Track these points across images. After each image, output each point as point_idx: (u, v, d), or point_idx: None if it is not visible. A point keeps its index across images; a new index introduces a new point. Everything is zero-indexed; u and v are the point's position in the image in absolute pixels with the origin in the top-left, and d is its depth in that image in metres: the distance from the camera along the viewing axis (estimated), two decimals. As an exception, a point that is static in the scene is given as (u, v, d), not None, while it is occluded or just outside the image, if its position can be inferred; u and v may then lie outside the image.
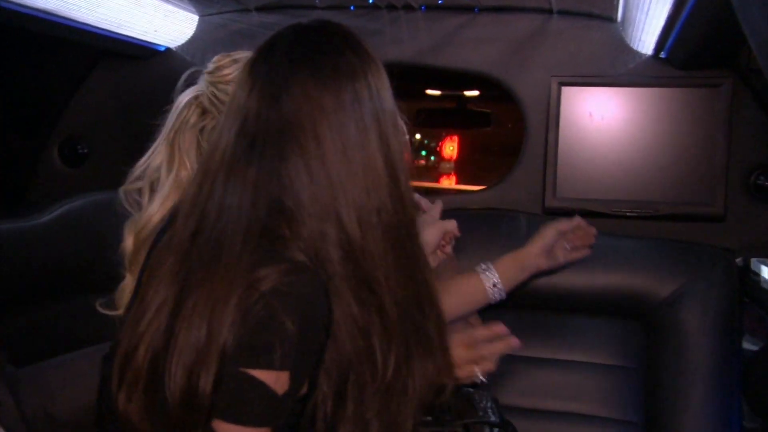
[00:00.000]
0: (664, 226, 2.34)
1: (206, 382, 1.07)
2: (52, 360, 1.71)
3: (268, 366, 1.06)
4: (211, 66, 1.72)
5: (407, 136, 1.45)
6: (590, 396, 2.14)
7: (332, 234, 1.13)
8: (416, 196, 1.61)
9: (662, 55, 2.24)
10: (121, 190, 1.64)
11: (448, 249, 1.69)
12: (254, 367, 1.06)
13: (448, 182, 7.75)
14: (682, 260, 2.18)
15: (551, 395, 2.10)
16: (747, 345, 2.23)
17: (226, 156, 1.17)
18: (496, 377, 2.05)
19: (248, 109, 1.18)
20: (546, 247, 1.89)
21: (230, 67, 1.70)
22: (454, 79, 4.31)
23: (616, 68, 2.32)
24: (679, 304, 2.12)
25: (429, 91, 5.19)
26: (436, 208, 1.76)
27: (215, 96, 1.69)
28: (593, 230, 1.92)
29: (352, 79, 1.17)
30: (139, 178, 1.64)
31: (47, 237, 2.05)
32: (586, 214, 2.25)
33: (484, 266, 1.84)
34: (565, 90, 2.34)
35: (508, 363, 2.14)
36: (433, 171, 8.27)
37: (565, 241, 1.92)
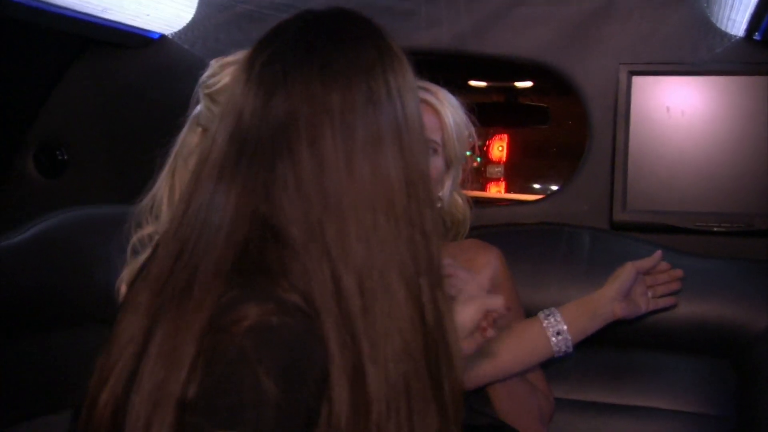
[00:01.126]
0: (760, 244, 2.29)
1: None
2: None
3: (233, 428, 1.00)
4: (204, 75, 1.75)
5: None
6: (674, 452, 2.12)
7: (322, 273, 1.10)
8: (447, 262, 1.51)
9: (756, 36, 2.20)
10: (132, 241, 1.69)
11: (490, 333, 1.59)
12: (219, 428, 1.00)
13: (497, 190, 7.72)
14: (782, 285, 2.13)
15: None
16: None
17: (215, 166, 1.17)
18: (554, 428, 2.04)
19: (241, 110, 1.17)
20: (624, 291, 1.88)
21: (224, 72, 1.73)
22: (502, 69, 4.32)
23: (698, 53, 2.30)
24: (779, 338, 2.07)
25: (473, 83, 5.20)
26: (480, 278, 1.66)
27: (211, 111, 1.73)
28: (679, 272, 1.89)
29: (367, 76, 1.15)
30: (142, 218, 1.69)
31: (19, 261, 2.06)
32: (664, 230, 2.26)
33: (547, 312, 1.83)
34: (637, 80, 2.32)
35: (569, 410, 2.13)
36: (479, 176, 8.26)
37: (647, 285, 1.91)
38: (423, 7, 2.42)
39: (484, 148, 8.87)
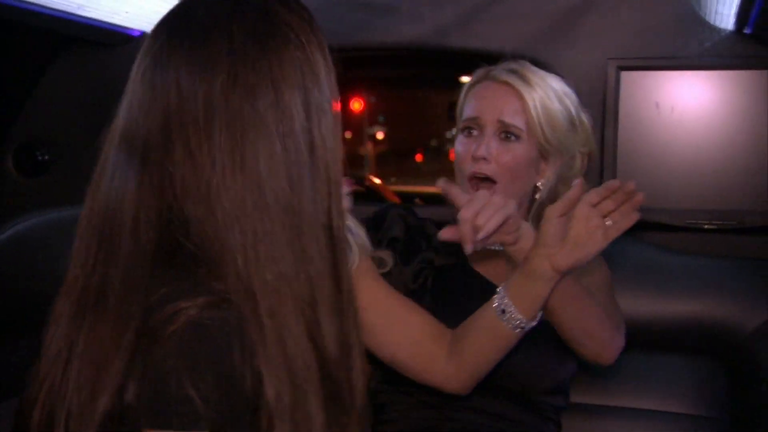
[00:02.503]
0: (752, 242, 2.30)
1: None
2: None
3: (182, 426, 1.02)
4: None
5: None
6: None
7: (232, 271, 1.11)
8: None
9: (746, 30, 2.20)
10: None
11: (509, 238, 1.66)
12: (164, 428, 1.03)
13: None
14: (774, 284, 2.14)
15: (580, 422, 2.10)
16: None
17: (115, 162, 1.16)
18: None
19: (130, 103, 1.16)
20: (551, 239, 1.66)
21: None
22: (493, 64, 4.31)
23: (688, 48, 2.30)
24: (770, 338, 2.08)
25: (464, 79, 5.16)
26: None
27: None
28: (631, 185, 1.64)
29: (243, 66, 1.12)
30: None
31: (-7, 265, 2.07)
32: (654, 228, 2.25)
33: (499, 289, 1.75)
34: (625, 75, 2.32)
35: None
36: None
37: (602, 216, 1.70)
38: (405, 2, 2.42)
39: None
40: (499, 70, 1.96)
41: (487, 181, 1.91)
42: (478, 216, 1.60)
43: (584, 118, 2.00)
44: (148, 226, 1.13)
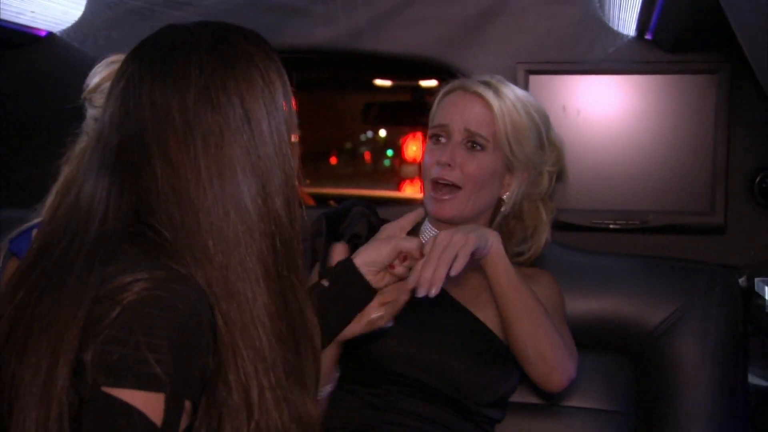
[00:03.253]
0: (654, 241, 2.35)
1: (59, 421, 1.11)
2: None
3: (138, 385, 1.09)
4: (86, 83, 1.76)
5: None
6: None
7: (203, 267, 1.19)
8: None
9: (647, 35, 2.26)
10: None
11: (399, 270, 1.66)
12: (119, 386, 1.09)
13: (412, 190, 7.73)
14: (676, 281, 2.19)
15: (520, 420, 2.10)
16: (753, 379, 2.24)
17: (89, 165, 1.26)
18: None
19: (105, 113, 1.26)
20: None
21: (98, 72, 1.77)
22: (406, 67, 4.33)
23: (593, 53, 2.34)
24: (673, 333, 2.13)
25: (378, 82, 5.20)
26: (402, 221, 1.74)
27: (89, 114, 1.73)
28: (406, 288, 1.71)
29: (205, 80, 1.23)
30: None
31: None
32: (562, 227, 2.27)
33: None
34: (534, 79, 2.35)
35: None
36: (394, 176, 8.27)
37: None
38: (318, 4, 2.42)
39: (400, 145, 8.90)
40: (473, 81, 1.99)
41: (450, 187, 1.93)
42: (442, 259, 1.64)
43: (555, 138, 2.03)
44: (118, 227, 1.21)
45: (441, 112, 2.01)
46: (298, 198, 1.30)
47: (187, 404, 1.15)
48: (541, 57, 2.37)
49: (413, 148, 8.98)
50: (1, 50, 2.53)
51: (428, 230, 2.02)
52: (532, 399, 2.15)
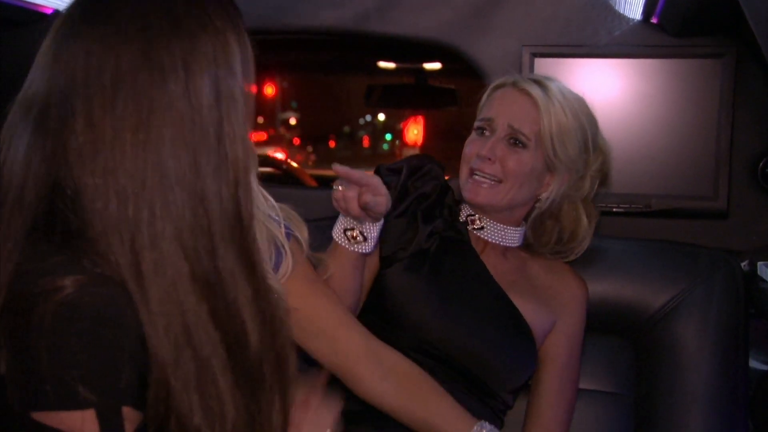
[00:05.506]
0: (656, 225, 2.37)
1: None
2: None
3: (63, 406, 1.03)
4: None
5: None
6: (572, 428, 2.11)
7: (119, 245, 1.10)
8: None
9: (653, 19, 2.26)
10: None
11: (366, 198, 1.68)
12: (45, 409, 1.03)
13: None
14: (678, 265, 2.20)
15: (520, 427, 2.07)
16: (754, 363, 2.26)
17: (10, 126, 1.16)
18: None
19: (34, 69, 1.17)
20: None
21: None
22: (411, 50, 4.32)
23: (598, 36, 2.34)
24: (674, 317, 2.14)
25: (382, 64, 5.18)
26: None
27: None
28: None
29: (149, 43, 1.12)
30: None
31: None
32: None
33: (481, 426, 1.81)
34: (539, 62, 2.35)
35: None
36: (393, 159, 8.26)
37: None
38: (324, -14, 2.42)
39: (401, 129, 8.90)
40: (524, 79, 1.98)
41: (489, 179, 1.94)
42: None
43: (602, 143, 2.03)
44: (33, 195, 1.11)
45: (488, 106, 2.01)
46: (247, 189, 1.20)
47: (127, 410, 1.07)
48: (546, 40, 2.37)
49: (414, 131, 8.99)
50: (5, 28, 2.52)
51: (467, 208, 2.04)
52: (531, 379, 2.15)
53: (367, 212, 1.71)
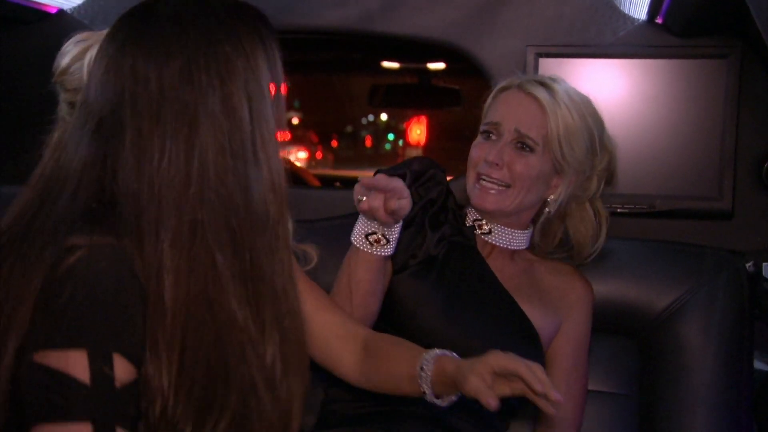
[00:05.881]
0: (661, 225, 2.36)
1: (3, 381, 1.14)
2: None
3: (56, 345, 1.12)
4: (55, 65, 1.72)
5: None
6: (575, 428, 2.15)
7: (148, 246, 1.19)
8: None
9: (658, 20, 2.26)
10: None
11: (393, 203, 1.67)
12: (42, 348, 1.12)
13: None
14: (682, 266, 2.20)
15: (527, 426, 2.10)
16: (758, 364, 2.27)
17: (71, 136, 1.27)
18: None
19: (89, 83, 1.28)
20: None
21: (67, 53, 1.72)
22: (415, 50, 4.32)
23: (603, 36, 2.35)
24: (679, 317, 2.15)
25: (386, 64, 5.18)
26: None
27: (70, 104, 1.70)
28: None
29: (188, 57, 1.22)
30: None
31: None
32: None
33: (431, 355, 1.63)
34: (544, 62, 2.35)
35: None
36: (395, 159, 8.29)
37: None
38: (330, -16, 2.42)
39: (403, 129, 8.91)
40: (530, 81, 1.97)
41: (497, 184, 1.94)
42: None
43: (608, 141, 2.02)
44: (87, 192, 1.21)
45: (494, 109, 2.00)
46: (281, 194, 1.29)
47: (119, 359, 1.15)
48: (551, 40, 2.37)
49: (417, 131, 8.99)
50: (9, 26, 2.51)
51: (473, 212, 2.03)
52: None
53: (392, 216, 1.70)
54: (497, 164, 1.93)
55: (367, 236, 1.77)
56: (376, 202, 1.67)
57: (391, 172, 1.99)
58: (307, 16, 2.48)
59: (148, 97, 1.20)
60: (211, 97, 1.21)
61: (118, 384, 1.14)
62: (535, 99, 1.93)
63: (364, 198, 1.68)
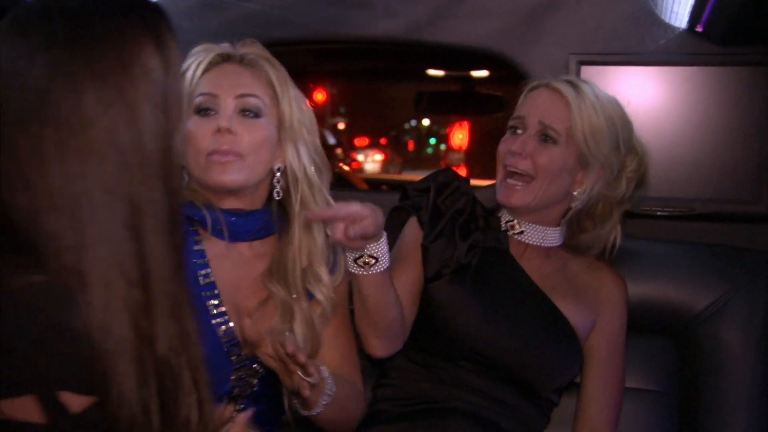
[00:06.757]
0: (701, 228, 2.36)
1: None
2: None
3: (6, 394, 1.05)
4: None
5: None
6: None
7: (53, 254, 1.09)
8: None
9: (698, 28, 2.26)
10: None
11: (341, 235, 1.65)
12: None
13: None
14: (722, 267, 2.21)
15: (567, 424, 2.08)
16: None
17: None
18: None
19: None
20: None
21: None
22: (459, 58, 4.32)
23: (644, 44, 2.35)
24: (718, 318, 2.15)
25: (431, 72, 5.20)
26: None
27: None
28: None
29: (68, 56, 1.08)
30: None
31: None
32: None
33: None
34: (586, 70, 2.36)
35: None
36: (437, 162, 8.31)
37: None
38: (379, -3, 2.47)
39: (446, 135, 8.94)
40: (557, 80, 2.00)
41: (523, 176, 1.96)
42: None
43: (637, 144, 2.03)
44: None
45: (522, 106, 2.03)
46: (173, 186, 1.17)
47: (66, 395, 1.07)
48: (593, 48, 2.38)
49: (459, 136, 9.03)
50: None
51: (505, 214, 2.06)
52: (578, 378, 2.15)
53: (363, 238, 1.67)
54: (521, 154, 1.95)
55: (356, 261, 1.75)
56: (338, 233, 1.64)
57: (417, 186, 2.04)
58: (358, 27, 2.53)
59: (16, 103, 1.07)
60: (86, 95, 1.08)
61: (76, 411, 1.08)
62: (560, 94, 1.96)
63: (329, 233, 1.68)
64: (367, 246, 1.72)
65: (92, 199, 1.09)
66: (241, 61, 1.83)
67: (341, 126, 14.35)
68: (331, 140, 11.18)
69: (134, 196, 1.11)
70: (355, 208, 1.64)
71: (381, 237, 1.73)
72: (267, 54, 1.87)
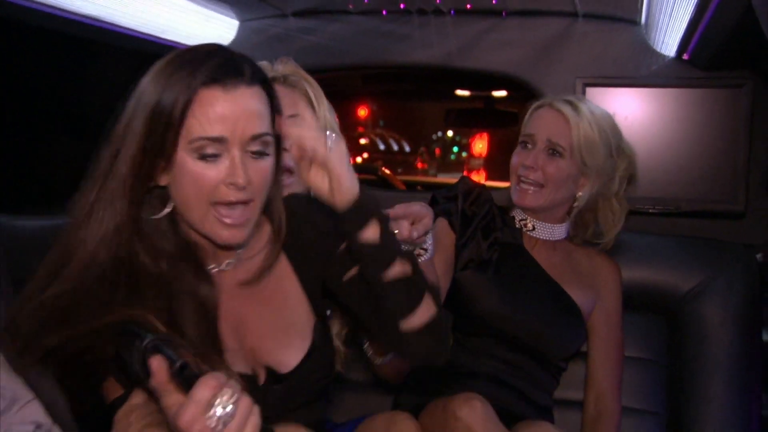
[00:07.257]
0: (686, 223, 2.36)
1: None
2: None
3: None
4: None
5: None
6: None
7: None
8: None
9: (685, 56, 2.26)
10: None
11: (408, 232, 1.65)
12: None
13: (478, 178, 7.80)
14: (704, 256, 2.19)
15: (575, 386, 2.11)
16: (767, 338, 2.23)
17: None
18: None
19: None
20: None
21: None
22: (482, 81, 4.34)
23: (639, 70, 2.35)
24: (701, 298, 2.14)
25: (459, 92, 5.23)
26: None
27: None
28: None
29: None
30: None
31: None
32: None
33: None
34: (590, 91, 2.37)
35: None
36: (459, 167, 8.30)
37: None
38: (417, 31, 2.48)
39: (468, 144, 8.91)
40: (559, 100, 1.99)
41: (533, 185, 1.96)
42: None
43: (626, 148, 2.02)
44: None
45: (530, 124, 2.03)
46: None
47: None
48: (596, 73, 2.38)
49: (480, 145, 9.02)
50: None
51: (519, 213, 2.07)
52: (585, 348, 2.14)
53: (423, 233, 1.69)
54: (533, 167, 1.95)
55: None
56: (404, 231, 1.65)
57: (444, 194, 2.04)
58: (401, 55, 2.55)
59: None
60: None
61: None
62: (562, 114, 1.95)
63: (397, 231, 1.64)
64: (422, 241, 1.73)
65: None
66: (285, 81, 1.80)
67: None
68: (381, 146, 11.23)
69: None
70: (415, 208, 1.67)
71: (429, 233, 1.75)
72: (302, 72, 1.84)
